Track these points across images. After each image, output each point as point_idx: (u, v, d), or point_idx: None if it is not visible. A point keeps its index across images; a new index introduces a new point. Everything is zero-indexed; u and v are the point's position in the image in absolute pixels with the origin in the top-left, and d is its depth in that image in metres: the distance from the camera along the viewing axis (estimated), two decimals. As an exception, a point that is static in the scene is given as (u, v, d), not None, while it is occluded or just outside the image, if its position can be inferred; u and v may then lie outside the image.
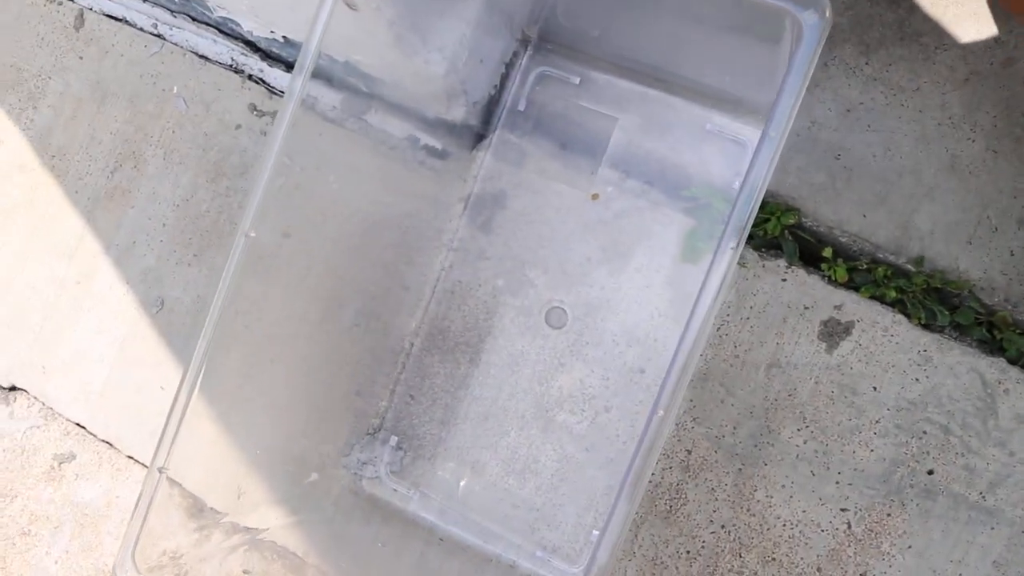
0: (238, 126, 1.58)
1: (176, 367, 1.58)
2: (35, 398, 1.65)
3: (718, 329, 1.36)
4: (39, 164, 1.67)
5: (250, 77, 1.58)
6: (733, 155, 1.35)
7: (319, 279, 1.32)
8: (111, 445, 1.61)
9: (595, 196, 1.40)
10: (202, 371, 1.11)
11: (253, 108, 1.57)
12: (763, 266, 1.34)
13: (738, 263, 1.36)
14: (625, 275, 1.39)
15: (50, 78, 1.68)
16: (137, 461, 1.59)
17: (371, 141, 1.32)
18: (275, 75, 1.56)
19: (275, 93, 1.55)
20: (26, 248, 1.66)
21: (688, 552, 1.36)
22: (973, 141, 1.29)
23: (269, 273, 1.18)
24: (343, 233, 1.33)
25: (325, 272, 1.32)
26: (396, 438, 1.47)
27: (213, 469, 1.25)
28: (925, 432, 1.30)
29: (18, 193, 1.68)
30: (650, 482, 1.38)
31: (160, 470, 1.11)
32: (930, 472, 1.29)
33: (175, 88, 1.60)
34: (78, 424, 1.63)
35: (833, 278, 1.32)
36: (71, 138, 1.66)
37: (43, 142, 1.67)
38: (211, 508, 1.26)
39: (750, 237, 1.35)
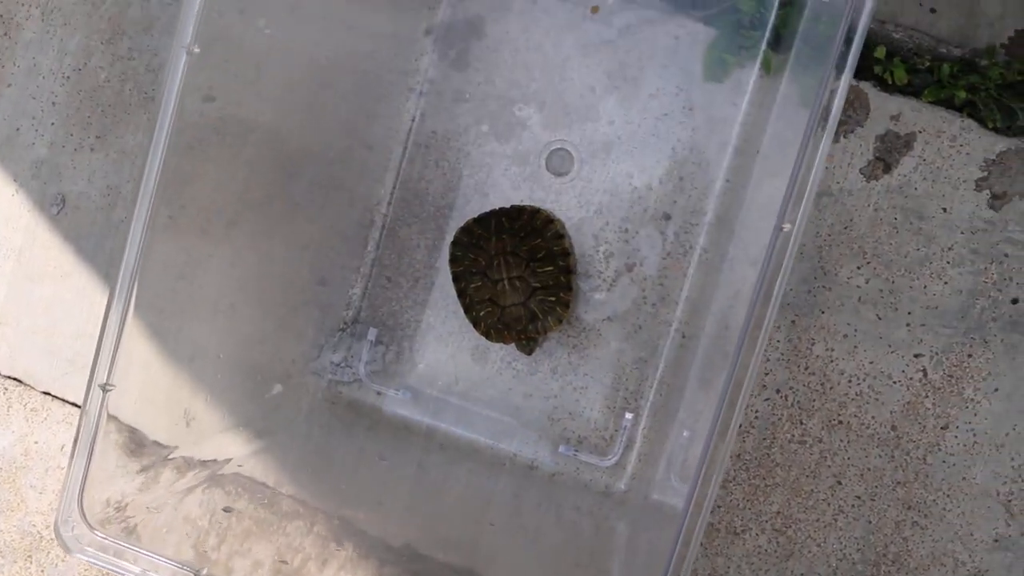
0: (134, -29, 1.27)
1: (90, 277, 1.31)
2: (-85, 334, 1.35)
3: (755, 157, 1.14)
4: None
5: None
6: (758, -56, 1.12)
7: (258, 149, 1.10)
8: (20, 382, 1.34)
9: (594, 9, 1.16)
10: (138, 269, 0.91)
11: (151, -54, 1.27)
12: (804, 76, 1.13)
13: (770, 73, 1.14)
14: (638, 104, 1.16)
15: None
16: (55, 397, 1.33)
17: None
18: (174, -99, 1.27)
19: (177, -76, 1.26)
20: None
21: (740, 426, 1.15)
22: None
23: (193, 149, 0.97)
24: (284, 88, 1.12)
25: (265, 139, 1.10)
26: (375, 330, 1.23)
27: (151, 395, 1.05)
28: (1006, 255, 1.11)
29: None
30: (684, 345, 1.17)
31: (103, 387, 0.89)
32: (1015, 301, 1.11)
33: (47, -70, 1.29)
34: (-26, 360, 1.35)
35: (891, 82, 1.11)
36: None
37: None
38: (155, 442, 1.06)
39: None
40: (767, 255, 0.71)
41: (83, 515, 0.90)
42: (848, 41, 0.76)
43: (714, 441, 0.80)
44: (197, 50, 0.83)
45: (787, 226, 0.72)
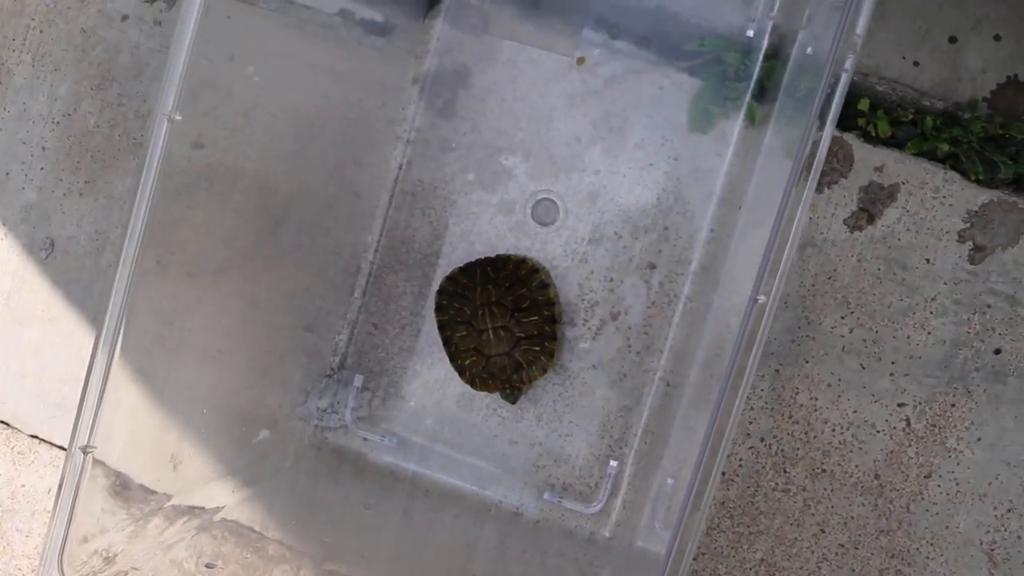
0: (124, 17, 1.29)
1: (78, 321, 1.31)
2: (-96, 376, 1.35)
3: (739, 208, 1.14)
4: None
5: (133, -45, 1.28)
6: (742, -3, 1.13)
7: (246, 195, 1.11)
8: (8, 424, 1.35)
9: (580, 60, 1.16)
10: (123, 320, 0.90)
11: (141, -7, 1.28)
12: (788, 128, 1.13)
13: (754, 125, 1.14)
14: (623, 154, 1.17)
15: None
16: (43, 440, 1.33)
17: (295, 20, 1.10)
18: (164, -51, 1.27)
19: (166, -29, 1.27)
20: None
21: (724, 474, 1.16)
22: (1023, -43, 1.10)
23: (181, 195, 0.97)
24: (272, 136, 1.12)
25: (254, 186, 1.11)
26: (361, 377, 1.24)
27: (138, 439, 1.04)
28: (989, 306, 1.11)
29: None
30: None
31: (84, 450, 0.89)
32: (997, 351, 1.12)
33: (38, -24, 1.30)
34: (-38, 402, 1.34)
35: (874, 134, 1.11)
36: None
37: None
38: (141, 486, 1.06)
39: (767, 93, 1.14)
40: (743, 324, 0.71)
41: (61, 571, 0.90)
42: (830, 93, 0.77)
43: (696, 488, 0.80)
44: (178, 117, 0.83)
45: (762, 298, 0.72)
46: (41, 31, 1.31)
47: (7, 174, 1.31)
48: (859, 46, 0.71)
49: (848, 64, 0.75)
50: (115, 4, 1.29)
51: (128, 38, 1.29)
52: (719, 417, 0.79)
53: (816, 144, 0.77)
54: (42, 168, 1.31)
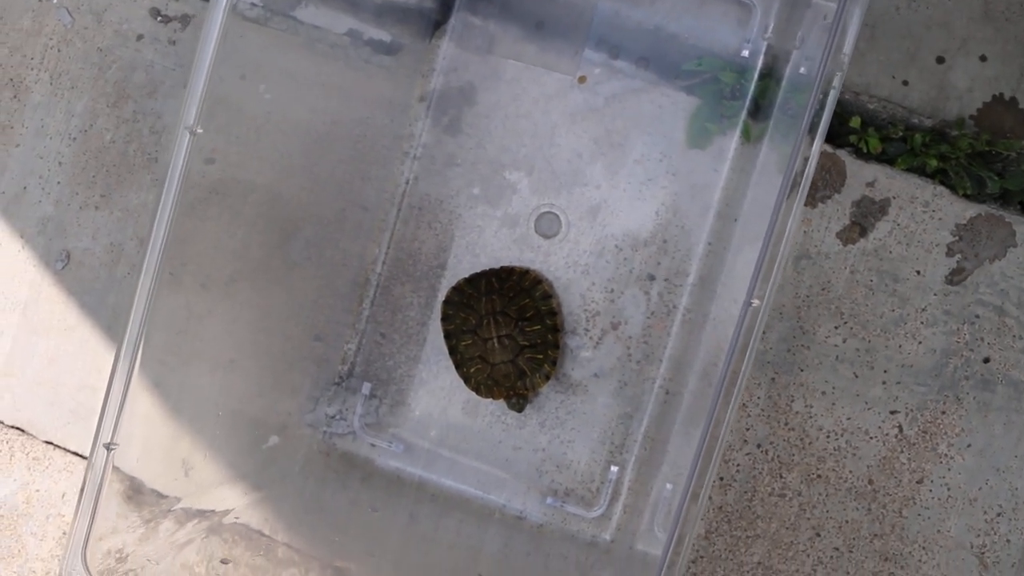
0: (140, 36, 1.32)
1: (92, 330, 1.34)
2: (-78, 384, 1.38)
3: (735, 221, 1.18)
4: None
5: (148, -24, 1.32)
6: (738, 18, 1.17)
7: (258, 209, 1.14)
8: (23, 431, 1.37)
9: (582, 79, 1.20)
10: (145, 326, 0.93)
11: (156, 13, 1.32)
12: (783, 144, 1.17)
13: (750, 141, 1.18)
14: (624, 169, 1.20)
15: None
16: (57, 446, 1.35)
17: (305, 40, 1.14)
18: (179, -29, 1.31)
19: (181, -8, 1.31)
20: None
21: (721, 479, 1.19)
22: (1008, -20, 1.14)
23: (194, 208, 0.99)
24: (283, 152, 1.16)
25: (265, 200, 1.14)
26: (368, 384, 1.27)
27: (152, 446, 1.07)
28: (977, 316, 1.15)
29: None
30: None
31: (108, 447, 0.91)
32: (986, 360, 1.15)
33: (56, -3, 1.34)
34: (-21, 410, 1.37)
35: (866, 150, 1.15)
36: (-68, 68, 1.38)
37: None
38: (154, 491, 1.08)
39: (761, 111, 1.17)
40: (737, 327, 0.75)
41: (86, 568, 0.93)
42: (819, 108, 0.80)
43: (691, 490, 0.83)
44: (200, 131, 0.87)
45: (756, 302, 0.76)
46: (59, 50, 1.34)
47: (25, 188, 1.35)
48: (846, 63, 0.75)
49: (836, 81, 0.79)
50: (131, 24, 1.32)
51: (143, 57, 1.32)
52: (716, 412, 0.82)
53: (806, 160, 0.81)
54: (59, 182, 1.34)
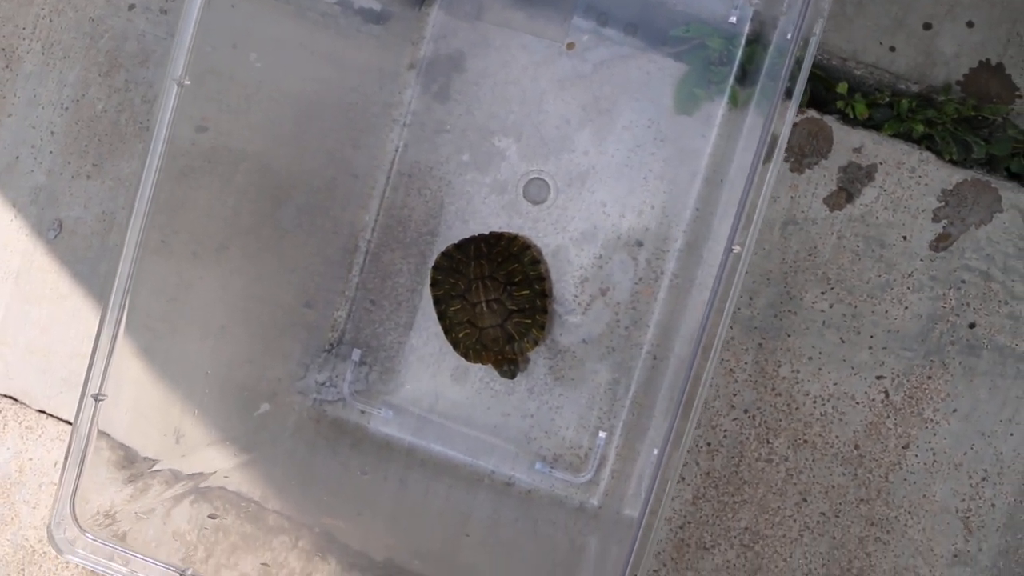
0: (131, 6, 1.33)
1: (85, 299, 1.34)
2: (-85, 353, 1.38)
3: (720, 182, 1.18)
4: None
5: (140, -55, 1.32)
6: (725, -16, 1.17)
7: (248, 176, 1.14)
8: (16, 400, 1.37)
9: (570, 46, 1.20)
10: (129, 288, 0.94)
11: (147, -17, 1.32)
12: (770, 110, 1.17)
13: (737, 107, 1.19)
14: (612, 135, 1.21)
15: None
16: (50, 415, 1.36)
17: (295, 9, 1.14)
18: (170, -60, 1.32)
19: (173, -38, 1.31)
20: None
21: (709, 444, 1.20)
22: (995, -54, 1.14)
23: (185, 176, 1.00)
24: (273, 119, 1.16)
25: (255, 167, 1.14)
26: (358, 351, 1.27)
27: (142, 412, 1.08)
28: (963, 281, 1.15)
29: None
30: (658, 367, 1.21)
31: (96, 397, 0.91)
32: (972, 325, 1.16)
33: (49, -34, 1.34)
34: (-28, 378, 1.38)
35: (852, 116, 1.16)
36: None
37: None
38: (145, 458, 1.08)
39: (748, 77, 1.18)
40: (718, 273, 0.75)
41: (75, 518, 0.93)
42: (800, 57, 0.81)
43: (668, 450, 0.84)
44: (188, 82, 0.87)
45: (737, 247, 0.76)
46: (51, 20, 1.35)
47: (17, 158, 1.35)
48: (826, 11, 0.75)
49: (817, 28, 0.79)
50: (123, -7, 1.33)
51: (135, 26, 1.33)
52: (697, 361, 0.83)
53: (790, 83, 0.82)
54: (51, 152, 1.35)
